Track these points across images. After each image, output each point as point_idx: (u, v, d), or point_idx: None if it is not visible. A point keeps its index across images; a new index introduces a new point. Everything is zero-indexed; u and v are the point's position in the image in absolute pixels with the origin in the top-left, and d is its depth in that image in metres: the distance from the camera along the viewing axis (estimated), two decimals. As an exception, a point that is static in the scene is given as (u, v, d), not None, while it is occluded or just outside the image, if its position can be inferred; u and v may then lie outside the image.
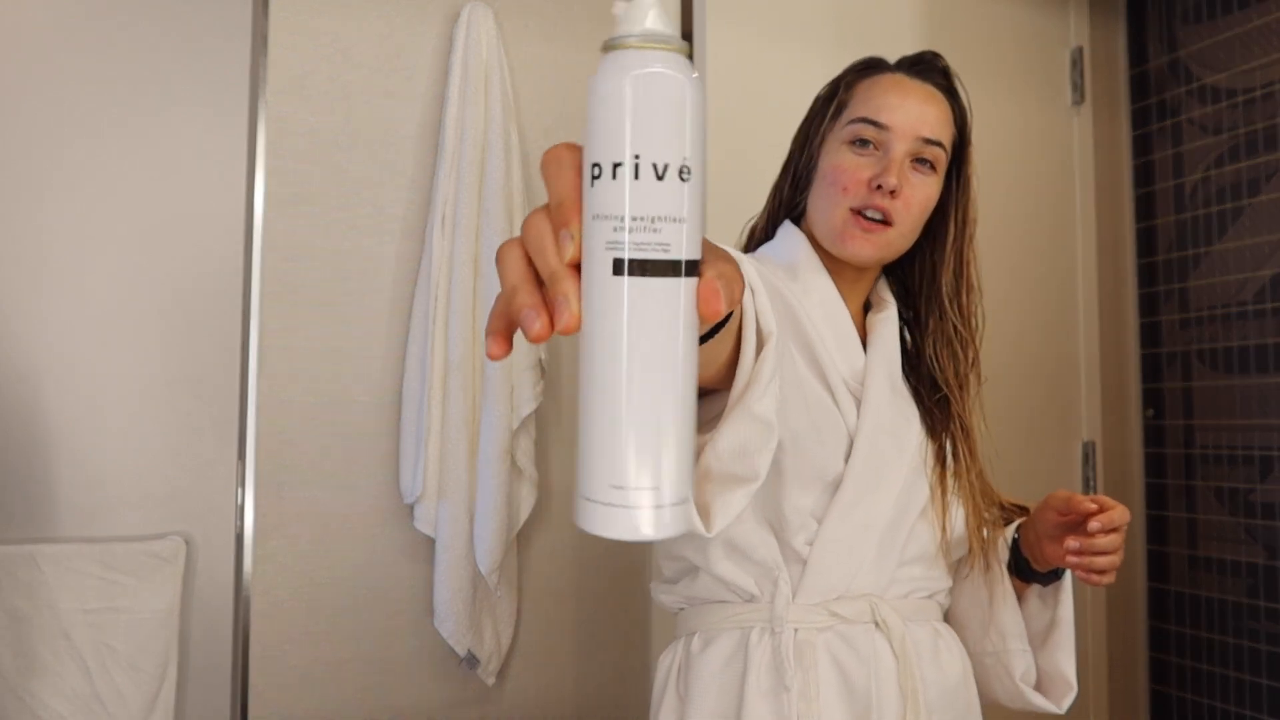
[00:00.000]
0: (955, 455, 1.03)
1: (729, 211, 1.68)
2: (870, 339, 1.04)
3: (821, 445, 0.96)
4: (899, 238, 1.00)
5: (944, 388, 1.04)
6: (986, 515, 1.06)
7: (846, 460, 0.96)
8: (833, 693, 0.93)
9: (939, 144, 1.00)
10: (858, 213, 0.98)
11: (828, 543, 0.95)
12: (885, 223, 0.98)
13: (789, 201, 1.08)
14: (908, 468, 1.00)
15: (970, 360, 1.05)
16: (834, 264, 1.04)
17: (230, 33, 1.45)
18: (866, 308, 1.08)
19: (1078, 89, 2.10)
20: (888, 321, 1.05)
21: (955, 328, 1.04)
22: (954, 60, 1.94)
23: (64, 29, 1.37)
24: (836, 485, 0.96)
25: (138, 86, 1.40)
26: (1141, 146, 2.13)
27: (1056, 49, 2.10)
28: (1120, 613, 2.06)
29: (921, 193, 1.00)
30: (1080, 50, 2.10)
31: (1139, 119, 2.13)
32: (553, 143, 1.63)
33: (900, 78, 1.03)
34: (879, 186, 0.97)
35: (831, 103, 1.05)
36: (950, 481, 1.03)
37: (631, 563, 1.64)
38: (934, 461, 1.03)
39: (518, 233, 1.67)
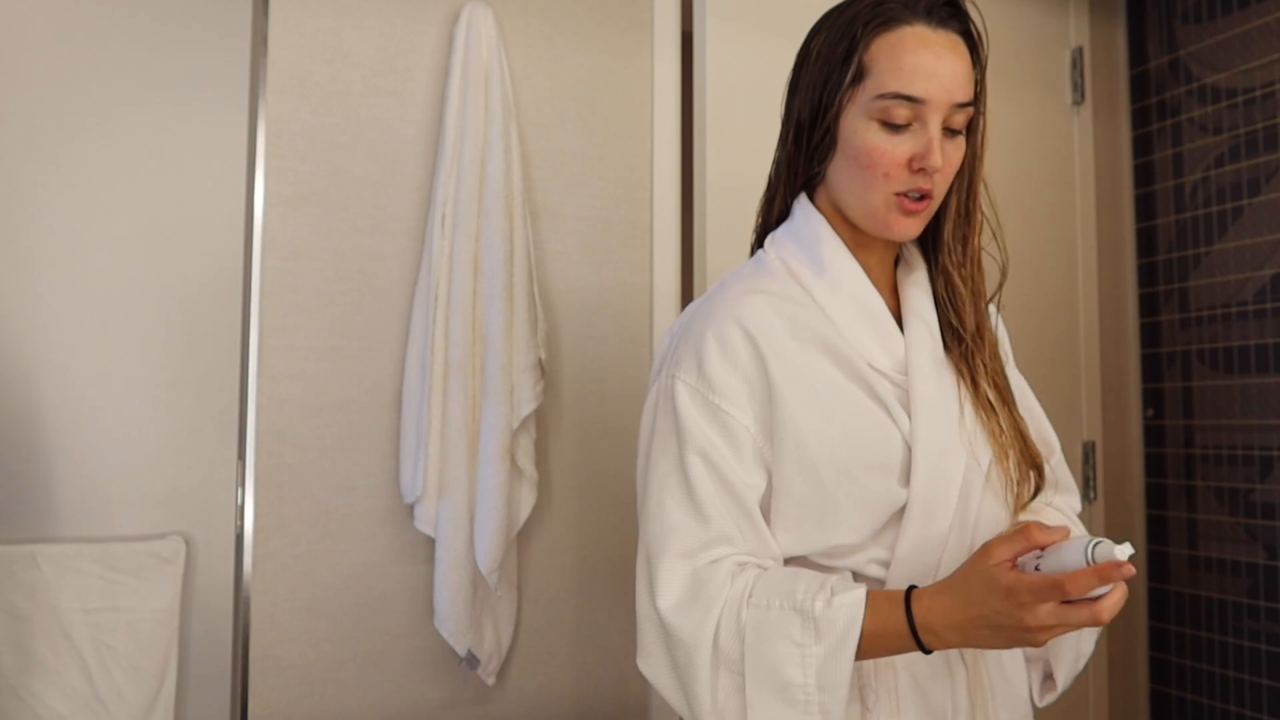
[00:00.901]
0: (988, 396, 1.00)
1: (729, 211, 1.68)
2: (905, 311, 1.00)
3: (877, 466, 0.92)
4: (937, 205, 0.97)
5: (960, 330, 1.00)
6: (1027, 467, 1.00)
7: (906, 467, 0.93)
8: (911, 708, 0.92)
9: (969, 104, 0.95)
10: (901, 194, 0.94)
11: (902, 564, 0.92)
12: (926, 196, 0.95)
13: (806, 173, 1.00)
14: (964, 450, 0.95)
15: (977, 297, 1.01)
16: (859, 236, 0.99)
17: (230, 33, 1.45)
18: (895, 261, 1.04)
19: (1078, 89, 2.09)
20: (919, 283, 1.02)
21: (961, 265, 1.01)
22: (954, 60, 1.87)
23: (63, 29, 1.37)
24: (902, 505, 0.92)
25: (137, 87, 1.40)
26: (1141, 146, 2.12)
27: (1056, 49, 2.09)
28: (1120, 613, 2.06)
29: (955, 157, 0.96)
30: (1080, 50, 2.10)
31: (1139, 119, 2.13)
32: (553, 142, 1.64)
33: (923, 32, 0.93)
34: (921, 169, 0.92)
35: (849, 64, 0.94)
36: (1000, 427, 0.99)
37: (631, 563, 1.64)
38: (984, 413, 0.98)
39: (518, 233, 1.66)
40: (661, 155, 1.72)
